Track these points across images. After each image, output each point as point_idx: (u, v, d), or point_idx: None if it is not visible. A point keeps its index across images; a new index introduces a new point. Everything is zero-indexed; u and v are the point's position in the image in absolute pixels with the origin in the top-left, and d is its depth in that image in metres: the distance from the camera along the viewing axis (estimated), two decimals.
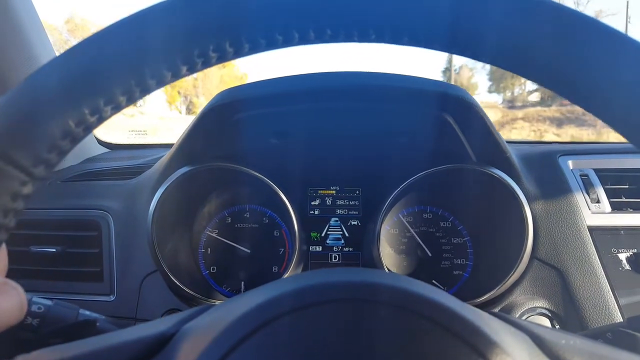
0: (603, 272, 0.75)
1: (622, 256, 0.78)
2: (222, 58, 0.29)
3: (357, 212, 1.02)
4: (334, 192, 1.03)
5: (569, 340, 0.30)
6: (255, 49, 0.29)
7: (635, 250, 0.78)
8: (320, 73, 0.80)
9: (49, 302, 0.50)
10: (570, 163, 0.87)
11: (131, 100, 0.28)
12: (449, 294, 0.30)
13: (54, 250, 0.85)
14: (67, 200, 0.92)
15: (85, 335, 0.32)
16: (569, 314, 0.75)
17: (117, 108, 0.28)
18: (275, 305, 0.27)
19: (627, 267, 0.77)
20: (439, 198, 0.97)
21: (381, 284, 0.28)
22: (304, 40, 0.29)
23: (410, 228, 0.98)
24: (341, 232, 1.01)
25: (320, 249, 1.00)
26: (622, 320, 0.72)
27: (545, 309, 0.77)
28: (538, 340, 0.30)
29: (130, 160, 1.10)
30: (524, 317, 0.76)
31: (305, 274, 0.31)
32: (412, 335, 0.26)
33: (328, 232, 1.01)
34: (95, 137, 1.31)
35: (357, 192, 1.02)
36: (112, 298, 0.82)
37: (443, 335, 0.26)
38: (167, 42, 0.27)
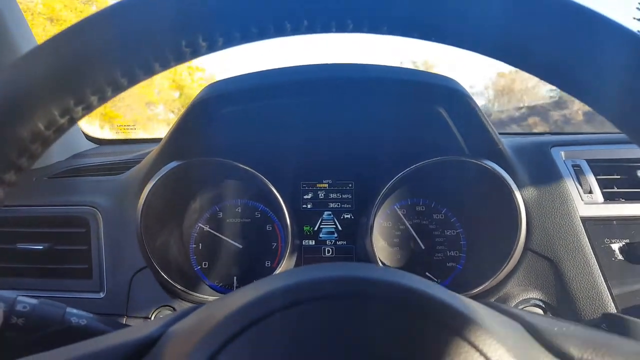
0: (596, 263, 0.75)
1: (615, 246, 0.78)
2: (194, 54, 0.28)
3: (350, 206, 1.01)
4: (326, 185, 1.02)
5: (562, 327, 0.30)
6: (229, 42, 0.28)
7: (627, 241, 0.78)
8: (311, 65, 0.79)
9: (34, 301, 0.49)
10: (562, 154, 0.87)
11: (103, 100, 0.27)
12: (440, 286, 0.29)
13: (41, 247, 0.83)
14: (54, 197, 0.90)
15: (72, 340, 0.31)
16: (563, 304, 0.75)
17: (89, 108, 0.27)
18: (263, 304, 0.26)
19: (620, 257, 0.77)
20: (431, 190, 0.97)
21: (372, 278, 0.28)
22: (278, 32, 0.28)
23: (403, 221, 0.97)
24: (334, 226, 1.00)
25: (314, 243, 0.99)
26: (615, 310, 0.73)
27: (539, 299, 0.77)
28: (531, 328, 0.30)
29: (118, 156, 1.08)
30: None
31: (293, 271, 0.30)
32: (404, 329, 0.26)
33: (321, 226, 1.00)
34: (83, 133, 1.29)
35: (350, 185, 1.02)
36: (101, 295, 0.81)
37: (435, 326, 0.26)
38: (134, 41, 0.26)
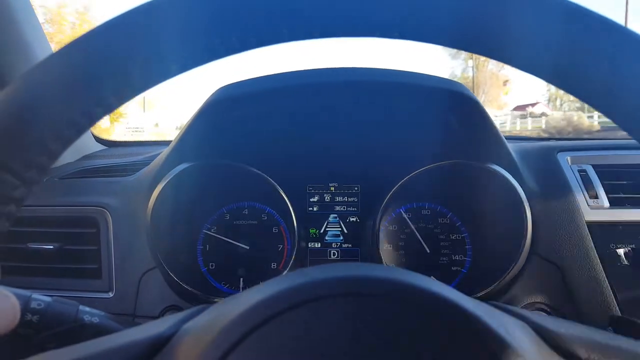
0: (601, 268, 0.75)
1: (621, 252, 0.78)
2: (209, 58, 0.28)
3: (355, 209, 1.02)
4: (332, 188, 1.02)
5: (569, 328, 0.30)
6: (245, 46, 0.29)
7: (633, 246, 0.78)
8: (320, 69, 0.80)
9: (48, 299, 0.50)
10: (568, 159, 0.87)
11: (122, 100, 0.28)
12: (449, 286, 0.30)
13: (51, 247, 0.84)
14: (65, 197, 0.91)
15: (84, 338, 0.32)
16: (568, 309, 0.75)
17: (108, 109, 0.28)
18: (273, 303, 0.27)
19: (626, 262, 0.77)
20: (437, 194, 0.97)
21: (379, 277, 0.28)
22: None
23: (409, 224, 0.98)
24: (340, 229, 1.01)
25: (319, 246, 1.00)
26: (620, 316, 0.73)
27: (544, 304, 0.77)
28: (538, 329, 0.30)
29: (128, 157, 1.09)
30: None
31: (303, 271, 0.31)
32: (412, 327, 0.26)
33: (327, 229, 1.01)
34: (93, 134, 1.31)
35: (356, 188, 1.02)
36: (110, 295, 0.82)
37: (442, 326, 0.26)
38: (153, 43, 0.27)
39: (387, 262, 0.95)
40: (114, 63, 0.26)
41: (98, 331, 0.51)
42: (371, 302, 0.27)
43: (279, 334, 0.26)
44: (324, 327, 0.26)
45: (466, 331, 0.26)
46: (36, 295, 0.49)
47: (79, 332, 0.51)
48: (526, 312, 0.33)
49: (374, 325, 0.26)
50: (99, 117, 0.28)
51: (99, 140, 1.32)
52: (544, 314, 0.76)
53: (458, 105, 0.80)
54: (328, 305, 0.27)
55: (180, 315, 0.34)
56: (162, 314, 0.80)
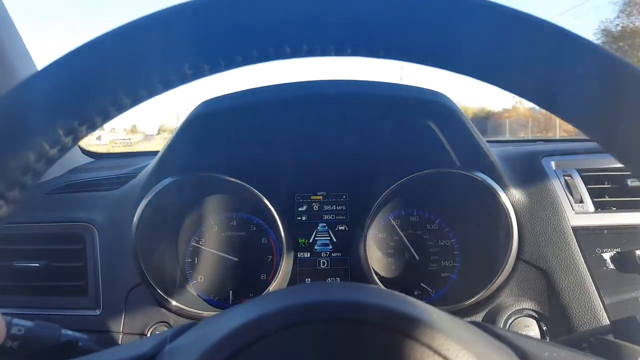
0: (588, 272, 0.76)
1: (606, 256, 0.78)
2: (198, 75, 0.28)
3: (344, 217, 1.01)
4: (320, 197, 1.02)
5: (552, 352, 0.30)
6: (230, 65, 0.28)
7: (619, 250, 0.79)
8: (304, 82, 0.80)
9: (29, 324, 0.49)
10: (553, 164, 0.88)
11: (106, 119, 0.28)
12: (431, 307, 0.30)
13: (37, 264, 0.83)
14: (50, 213, 0.90)
15: (67, 357, 0.32)
16: (556, 314, 0.76)
17: (93, 127, 0.28)
18: (256, 326, 0.27)
19: (612, 266, 0.78)
20: (425, 201, 0.98)
21: (362, 302, 0.28)
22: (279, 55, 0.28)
23: (398, 231, 0.98)
24: (329, 238, 1.01)
25: (309, 255, 1.00)
26: (607, 320, 0.73)
27: (532, 310, 0.77)
28: (521, 353, 0.30)
29: (115, 170, 1.08)
30: (511, 320, 0.77)
31: (287, 291, 0.31)
32: (395, 353, 0.26)
33: (316, 238, 1.00)
34: (80, 147, 1.30)
35: (344, 197, 1.02)
36: (97, 312, 0.81)
37: (426, 353, 0.26)
38: (143, 59, 0.27)
39: (377, 270, 0.95)
40: (98, 82, 0.26)
41: (80, 354, 0.51)
42: (352, 327, 0.27)
43: (261, 358, 0.26)
44: (306, 350, 0.26)
45: (450, 358, 0.25)
46: (17, 320, 0.49)
47: (63, 350, 0.51)
48: (511, 335, 0.33)
49: (353, 349, 0.26)
50: (82, 135, 0.28)
51: (85, 152, 1.31)
52: (532, 320, 0.76)
53: (440, 115, 0.81)
54: (311, 330, 0.27)
55: (163, 334, 0.34)
56: (150, 330, 0.80)
